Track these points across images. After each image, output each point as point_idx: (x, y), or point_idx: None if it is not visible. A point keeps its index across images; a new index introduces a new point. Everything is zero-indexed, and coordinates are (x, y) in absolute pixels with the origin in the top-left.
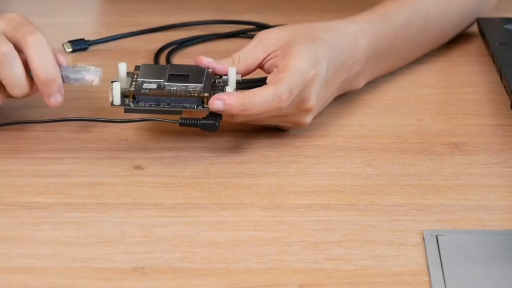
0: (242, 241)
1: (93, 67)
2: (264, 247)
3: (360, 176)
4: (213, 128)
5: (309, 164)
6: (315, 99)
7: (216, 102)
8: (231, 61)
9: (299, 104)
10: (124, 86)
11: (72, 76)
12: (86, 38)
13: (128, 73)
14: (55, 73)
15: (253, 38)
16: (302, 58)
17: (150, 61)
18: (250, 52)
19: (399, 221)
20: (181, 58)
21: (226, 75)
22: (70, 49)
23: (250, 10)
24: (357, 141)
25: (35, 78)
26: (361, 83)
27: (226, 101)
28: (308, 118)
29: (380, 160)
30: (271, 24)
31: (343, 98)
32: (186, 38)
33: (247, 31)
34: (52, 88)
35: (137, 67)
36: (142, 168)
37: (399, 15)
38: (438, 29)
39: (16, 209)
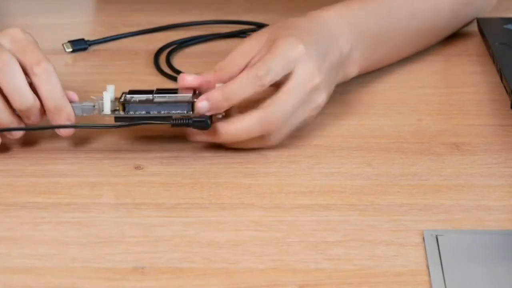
0: (242, 241)
1: (103, 99)
2: (264, 247)
3: (360, 176)
4: (205, 126)
5: (309, 164)
6: (318, 74)
7: (201, 103)
8: (212, 72)
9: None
10: (113, 107)
11: (84, 113)
12: (86, 38)
13: (116, 98)
14: (62, 102)
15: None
16: (280, 41)
17: (150, 61)
18: (233, 60)
19: (399, 221)
20: (181, 58)
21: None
22: (70, 49)
23: (250, 10)
24: (357, 141)
25: (45, 107)
26: (354, 69)
27: (209, 96)
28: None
29: (380, 160)
30: (271, 23)
31: (343, 98)
32: (186, 38)
33: (247, 31)
34: (61, 117)
35: (123, 93)
36: (142, 168)
37: (377, 1)
38: (428, 21)
39: (16, 209)
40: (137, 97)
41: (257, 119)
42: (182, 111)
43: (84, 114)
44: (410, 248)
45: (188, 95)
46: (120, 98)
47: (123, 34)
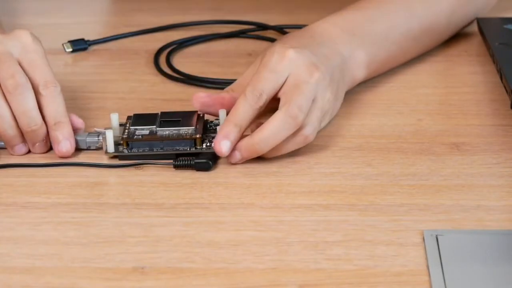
0: (242, 241)
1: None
2: (264, 247)
3: (360, 176)
4: (206, 167)
5: (309, 164)
6: (316, 69)
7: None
8: (224, 94)
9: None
10: (117, 135)
11: (88, 146)
12: (86, 38)
13: (120, 124)
14: (64, 120)
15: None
16: (266, 56)
17: (150, 61)
18: (243, 81)
19: (399, 221)
20: (181, 58)
21: (217, 118)
22: (70, 49)
23: (250, 10)
24: (357, 141)
25: (46, 123)
26: (360, 72)
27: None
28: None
29: (380, 160)
30: (271, 23)
31: (344, 98)
32: (186, 38)
33: (247, 31)
34: (60, 133)
35: (129, 117)
36: (142, 168)
37: (372, 7)
38: (428, 22)
39: (16, 209)
40: (140, 131)
41: (283, 115)
42: (185, 148)
43: (89, 147)
44: (410, 248)
45: (191, 128)
46: (124, 129)
47: (123, 34)
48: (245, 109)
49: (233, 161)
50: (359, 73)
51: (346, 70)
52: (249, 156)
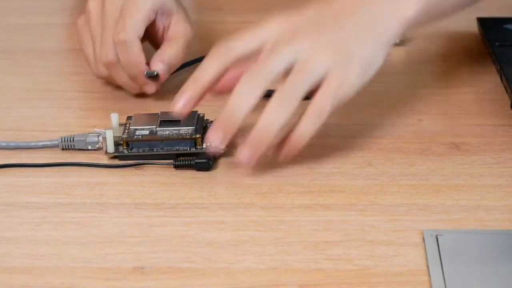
0: (242, 241)
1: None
2: (264, 247)
3: (360, 176)
4: (207, 167)
5: (309, 164)
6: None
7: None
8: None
9: None
10: (117, 135)
11: (89, 146)
12: None
13: (120, 124)
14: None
15: None
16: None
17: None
18: None
19: (399, 221)
20: None
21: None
22: None
23: (250, 10)
24: (357, 141)
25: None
26: (410, 11)
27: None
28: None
29: (380, 160)
30: None
31: None
32: None
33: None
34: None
35: (129, 117)
36: (142, 168)
37: None
38: None
39: (16, 209)
40: (140, 131)
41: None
42: (185, 148)
43: (89, 147)
44: (410, 248)
45: (191, 128)
46: (124, 129)
47: None
48: (207, 63)
49: (243, 162)
50: (406, 12)
51: (379, 16)
52: (258, 150)
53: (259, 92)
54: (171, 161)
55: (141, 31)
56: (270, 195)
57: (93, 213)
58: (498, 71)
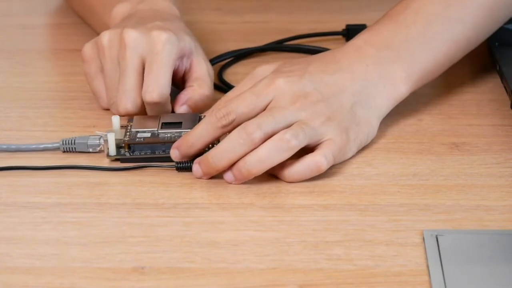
0: (242, 241)
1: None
2: (264, 247)
3: (360, 176)
4: None
5: None
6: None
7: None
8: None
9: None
10: (119, 137)
11: (90, 149)
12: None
13: (121, 126)
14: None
15: None
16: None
17: None
18: (233, 92)
19: (399, 221)
20: None
21: None
22: None
23: (250, 10)
24: None
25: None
26: (403, 87)
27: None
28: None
29: (380, 160)
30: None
31: None
32: None
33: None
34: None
35: (130, 120)
36: (142, 168)
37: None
38: (471, 24)
39: (16, 209)
40: (141, 133)
41: (239, 129)
42: None
43: (91, 150)
44: (410, 248)
45: None
46: (126, 131)
47: None
48: (204, 127)
49: (196, 175)
50: (399, 89)
51: (373, 93)
52: (208, 170)
53: (246, 148)
54: (173, 163)
55: (170, 86)
56: (270, 195)
57: (93, 213)
58: (498, 71)
